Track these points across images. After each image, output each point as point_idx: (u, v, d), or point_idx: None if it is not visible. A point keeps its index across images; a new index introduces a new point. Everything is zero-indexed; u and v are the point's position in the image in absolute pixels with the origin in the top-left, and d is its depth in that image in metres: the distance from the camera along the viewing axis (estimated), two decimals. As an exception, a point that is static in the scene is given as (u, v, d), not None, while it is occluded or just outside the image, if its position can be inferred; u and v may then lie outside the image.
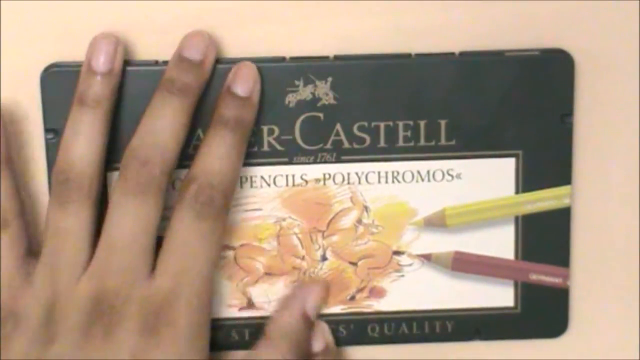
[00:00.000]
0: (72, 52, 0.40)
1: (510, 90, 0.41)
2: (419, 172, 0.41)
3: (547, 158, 0.41)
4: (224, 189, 0.39)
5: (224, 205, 0.39)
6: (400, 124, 0.41)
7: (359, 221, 0.42)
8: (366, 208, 0.42)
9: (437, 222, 0.42)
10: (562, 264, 0.42)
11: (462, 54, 0.41)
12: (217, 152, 0.39)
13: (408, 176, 0.41)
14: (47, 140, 0.40)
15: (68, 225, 0.39)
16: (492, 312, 0.43)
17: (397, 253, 0.42)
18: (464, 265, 0.42)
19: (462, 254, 0.42)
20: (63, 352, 0.38)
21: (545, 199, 0.42)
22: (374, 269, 0.42)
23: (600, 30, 0.41)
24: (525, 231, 0.42)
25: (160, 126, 0.39)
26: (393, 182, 0.41)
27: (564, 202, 0.42)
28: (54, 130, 0.40)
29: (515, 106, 0.41)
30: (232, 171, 0.39)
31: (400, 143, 0.41)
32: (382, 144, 0.41)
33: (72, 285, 0.39)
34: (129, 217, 0.39)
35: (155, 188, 0.39)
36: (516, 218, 0.42)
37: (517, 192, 0.42)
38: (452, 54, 0.41)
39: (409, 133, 0.41)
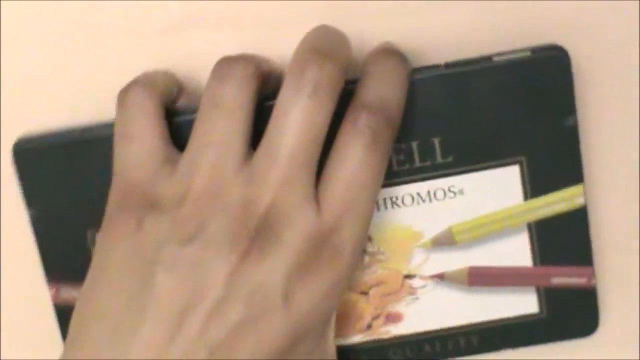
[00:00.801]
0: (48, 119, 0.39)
1: (505, 96, 0.38)
2: (418, 194, 0.39)
3: (553, 160, 0.39)
4: (395, 122, 0.35)
5: (392, 139, 0.35)
6: (392, 147, 0.39)
7: (364, 251, 0.40)
8: (369, 237, 0.40)
9: (445, 241, 0.40)
10: (585, 263, 0.40)
11: (448, 65, 0.38)
12: (386, 81, 0.35)
13: (408, 199, 0.39)
14: (31, 216, 0.39)
15: (227, 102, 0.34)
16: (517, 320, 0.41)
17: (409, 277, 0.40)
18: (481, 278, 0.40)
19: (477, 268, 0.40)
20: (204, 255, 0.33)
21: (557, 202, 0.39)
22: (387, 296, 0.40)
23: (593, 24, 0.38)
24: (541, 236, 0.40)
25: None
26: (392, 207, 0.39)
27: (578, 202, 0.39)
28: (36, 205, 0.39)
29: (512, 112, 0.38)
30: (402, 106, 0.36)
31: (395, 167, 0.39)
32: (376, 169, 0.39)
33: (222, 186, 0.34)
34: (299, 121, 0.34)
35: (333, 91, 0.34)
36: (529, 225, 0.40)
37: (525, 198, 0.39)
38: (438, 66, 0.38)
39: (401, 156, 0.39)
